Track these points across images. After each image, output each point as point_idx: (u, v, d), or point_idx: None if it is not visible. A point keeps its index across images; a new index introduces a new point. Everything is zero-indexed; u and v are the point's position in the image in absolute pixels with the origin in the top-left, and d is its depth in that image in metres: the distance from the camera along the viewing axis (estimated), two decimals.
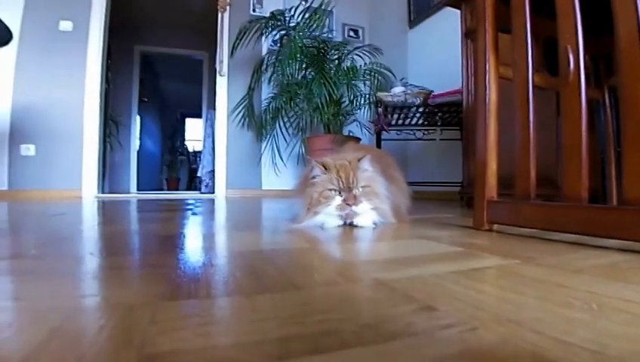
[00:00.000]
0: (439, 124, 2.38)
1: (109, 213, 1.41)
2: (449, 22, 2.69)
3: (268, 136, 3.25)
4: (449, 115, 2.32)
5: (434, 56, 2.91)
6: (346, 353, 0.23)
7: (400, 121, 2.49)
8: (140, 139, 5.41)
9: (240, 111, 3.30)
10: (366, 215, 0.88)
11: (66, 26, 2.94)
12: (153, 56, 5.56)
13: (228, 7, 3.39)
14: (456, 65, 2.09)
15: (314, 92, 2.70)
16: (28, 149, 2.80)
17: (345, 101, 3.03)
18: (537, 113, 0.76)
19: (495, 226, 0.82)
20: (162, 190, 6.60)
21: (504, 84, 0.85)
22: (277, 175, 3.45)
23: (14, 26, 2.65)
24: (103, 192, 3.19)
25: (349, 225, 0.88)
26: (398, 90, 2.35)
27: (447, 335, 0.26)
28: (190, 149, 8.00)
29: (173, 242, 0.70)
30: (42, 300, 0.33)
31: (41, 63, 2.86)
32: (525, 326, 0.27)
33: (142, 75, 5.05)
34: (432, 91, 2.32)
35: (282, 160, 3.41)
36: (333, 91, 2.70)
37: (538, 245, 0.64)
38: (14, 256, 0.52)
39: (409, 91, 2.34)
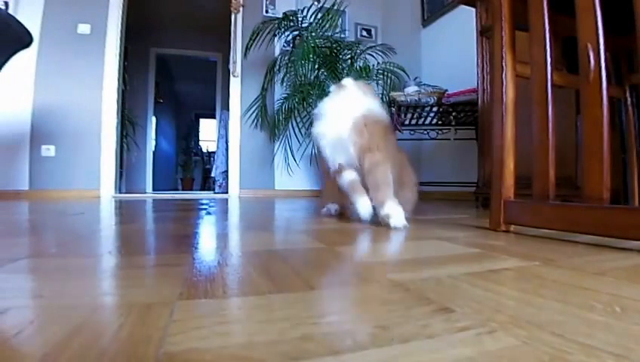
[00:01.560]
0: (453, 123, 2.35)
1: (126, 212, 1.43)
2: (463, 20, 2.66)
3: (281, 137, 3.26)
4: (464, 114, 2.28)
5: (448, 55, 2.87)
6: (361, 354, 0.23)
7: (413, 121, 2.47)
8: (156, 139, 5.51)
9: (253, 112, 3.32)
10: None
11: (84, 29, 3.01)
12: (168, 58, 5.65)
13: (241, 9, 3.41)
14: (471, 64, 2.06)
15: (327, 92, 2.70)
16: (48, 150, 2.88)
17: None
18: (556, 111, 0.74)
19: (512, 227, 0.80)
20: (177, 190, 6.70)
21: (521, 82, 0.84)
22: (290, 175, 3.46)
23: (34, 29, 2.72)
24: (120, 192, 3.25)
25: None
26: (411, 89, 2.33)
27: (464, 338, 0.26)
28: (204, 150, 8.11)
29: (188, 241, 0.71)
30: (63, 298, 0.34)
31: (61, 66, 2.94)
32: (546, 329, 0.27)
33: (157, 76, 5.14)
34: (446, 90, 2.29)
35: (295, 160, 3.42)
36: None
37: (558, 246, 0.62)
38: (36, 255, 0.54)
39: (423, 90, 2.32)
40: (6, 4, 2.81)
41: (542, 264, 0.49)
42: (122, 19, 3.15)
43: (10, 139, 2.78)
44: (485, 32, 1.72)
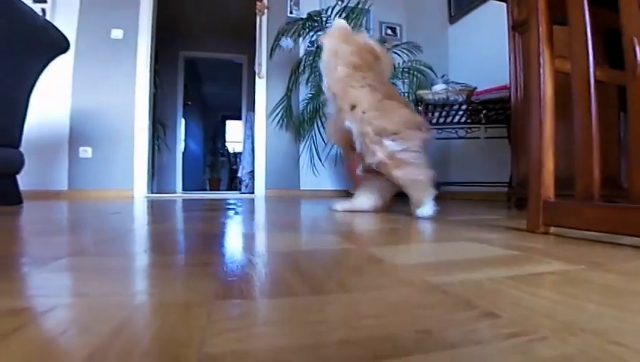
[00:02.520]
0: (484, 121, 2.28)
1: (158, 212, 1.48)
2: (493, 15, 2.58)
3: (306, 137, 3.27)
4: (494, 112, 2.21)
5: (477, 52, 2.79)
6: (406, 360, 0.22)
7: (441, 120, 2.42)
8: (185, 141, 5.66)
9: (278, 113, 3.35)
10: None
11: (117, 34, 3.13)
12: (196, 61, 5.80)
13: (265, 11, 3.45)
14: (502, 61, 1.99)
15: None
16: (85, 151, 3.02)
17: None
18: (599, 108, 0.70)
19: (552, 229, 0.76)
20: (205, 190, 6.87)
21: (559, 77, 0.80)
22: (315, 175, 3.47)
23: (70, 35, 2.85)
24: (152, 192, 3.36)
25: None
26: (439, 87, 2.28)
27: (514, 345, 0.24)
28: (230, 150, 8.27)
29: (219, 241, 0.72)
30: (104, 297, 0.35)
31: (96, 70, 3.07)
32: (603, 337, 0.25)
33: (186, 79, 5.28)
34: (475, 88, 2.23)
35: (320, 160, 3.42)
36: None
37: (604, 250, 0.59)
38: (77, 253, 0.56)
39: (451, 88, 2.26)
40: (43, 10, 2.96)
41: (589, 268, 0.46)
42: (152, 24, 3.26)
43: (50, 142, 2.93)
44: (518, 27, 1.66)
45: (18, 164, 1.79)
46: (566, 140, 0.75)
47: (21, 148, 1.82)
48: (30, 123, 1.87)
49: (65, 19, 2.97)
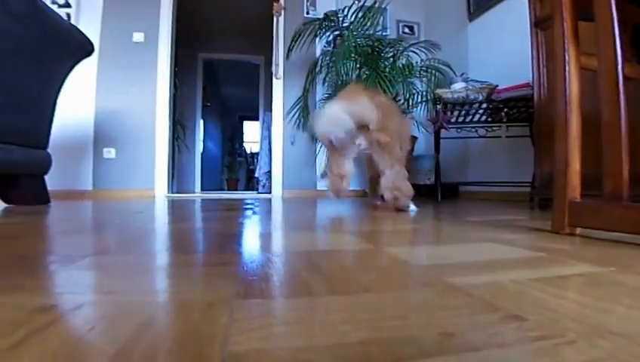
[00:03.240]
0: (505, 120, 2.23)
1: (178, 211, 1.51)
2: (514, 12, 2.52)
3: None
4: (516, 110, 2.16)
5: (497, 49, 2.73)
6: None
7: (460, 119, 2.38)
8: (203, 141, 5.76)
9: (295, 113, 3.36)
10: None
11: (138, 37, 3.21)
12: (214, 63, 5.89)
13: (282, 11, 3.47)
14: (523, 58, 1.94)
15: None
16: (109, 152, 3.11)
17: (400, 99, 2.96)
18: (627, 106, 0.67)
19: (578, 230, 0.74)
20: (223, 190, 6.96)
21: (586, 75, 0.77)
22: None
23: (94, 38, 2.95)
24: (172, 192, 3.44)
25: None
26: (458, 85, 2.24)
27: (540, 348, 0.24)
28: (248, 151, 8.36)
29: (238, 240, 0.73)
30: (130, 295, 0.36)
31: (118, 73, 3.16)
32: (635, 341, 0.24)
33: (205, 80, 5.37)
34: (496, 86, 2.18)
35: None
36: (389, 89, 2.65)
37: (633, 251, 0.57)
38: (103, 252, 0.58)
39: (470, 87, 2.22)
40: (68, 15, 3.07)
41: (618, 270, 0.44)
42: (172, 27, 3.33)
43: (76, 143, 3.04)
44: (540, 23, 1.62)
45: (46, 165, 1.86)
46: (595, 140, 0.73)
47: (48, 150, 1.89)
48: (56, 125, 1.94)
49: (88, 23, 3.07)
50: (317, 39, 3.37)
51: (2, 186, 1.75)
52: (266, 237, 0.77)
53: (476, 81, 2.34)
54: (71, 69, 1.91)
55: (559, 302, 0.33)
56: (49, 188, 1.92)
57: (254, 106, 6.03)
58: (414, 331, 0.27)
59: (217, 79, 6.90)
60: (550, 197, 0.79)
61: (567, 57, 0.76)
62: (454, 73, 2.71)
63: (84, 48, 1.91)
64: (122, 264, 0.49)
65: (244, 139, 8.76)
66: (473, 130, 2.42)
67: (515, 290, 0.36)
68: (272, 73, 3.53)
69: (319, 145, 3.35)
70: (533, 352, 0.23)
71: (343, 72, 2.84)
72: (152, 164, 3.19)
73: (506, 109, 2.17)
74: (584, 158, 0.75)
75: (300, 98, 3.35)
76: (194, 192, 4.71)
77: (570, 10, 0.78)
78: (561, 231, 0.75)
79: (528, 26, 1.69)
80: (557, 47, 0.79)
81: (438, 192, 2.33)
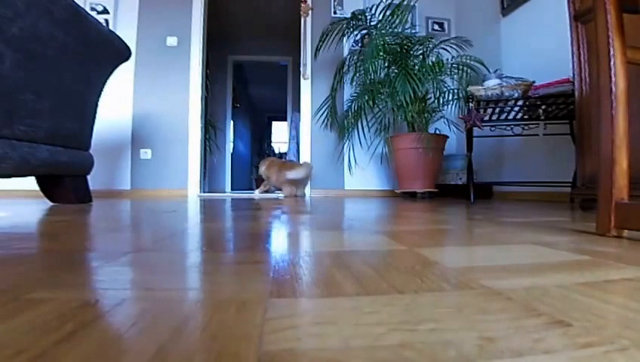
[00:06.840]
0: (542, 117, 2.13)
1: (209, 210, 1.55)
2: (550, 6, 2.40)
3: (350, 136, 3.26)
4: (555, 107, 2.06)
5: (533, 45, 2.62)
6: None
7: (494, 117, 2.29)
8: (233, 142, 5.88)
9: (323, 113, 3.37)
10: None
11: (172, 41, 3.33)
12: (243, 64, 6.01)
13: (310, 12, 3.49)
14: (560, 53, 1.84)
15: (397, 90, 2.63)
16: (146, 153, 3.24)
17: (430, 97, 2.89)
18: None
19: (625, 232, 0.70)
20: (252, 189, 7.07)
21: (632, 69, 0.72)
22: (360, 175, 3.45)
23: (130, 43, 3.09)
24: (203, 192, 3.54)
25: None
26: (492, 82, 2.16)
27: (589, 356, 0.22)
28: (276, 151, 8.46)
29: (268, 239, 0.74)
30: (166, 292, 0.37)
31: (154, 76, 3.29)
32: None
33: (234, 82, 5.49)
34: (533, 82, 2.09)
35: (365, 160, 3.40)
36: (418, 88, 2.60)
37: None
38: (140, 249, 0.60)
39: (505, 83, 2.14)
40: (106, 21, 3.22)
41: None
42: (204, 30, 3.43)
43: (116, 144, 3.19)
44: (581, 17, 1.53)
45: (89, 166, 1.97)
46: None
47: (90, 151, 1.99)
48: (97, 127, 2.04)
49: (125, 29, 3.22)
50: (344, 39, 3.36)
51: (48, 186, 1.86)
52: (295, 237, 0.78)
53: (511, 78, 2.25)
54: (111, 73, 2.01)
55: (607, 307, 0.31)
56: (91, 187, 2.03)
57: (282, 107, 6.10)
58: (452, 335, 0.26)
59: (246, 80, 7.03)
60: (593, 197, 0.75)
61: (612, 51, 0.72)
62: (487, 70, 2.62)
63: (122, 54, 2.01)
64: (159, 261, 0.51)
65: (273, 140, 8.88)
66: (508, 128, 2.33)
67: (559, 295, 0.35)
68: (299, 74, 3.55)
69: (347, 144, 3.35)
70: (582, 359, 0.22)
71: (371, 70, 2.82)
72: (185, 164, 3.29)
73: (544, 106, 2.08)
74: (632, 157, 0.71)
75: (327, 98, 3.36)
76: (224, 192, 4.82)
77: (614, 2, 0.73)
78: (607, 234, 0.70)
79: (567, 19, 1.61)
80: (600, 41, 0.74)
81: (471, 192, 2.26)
